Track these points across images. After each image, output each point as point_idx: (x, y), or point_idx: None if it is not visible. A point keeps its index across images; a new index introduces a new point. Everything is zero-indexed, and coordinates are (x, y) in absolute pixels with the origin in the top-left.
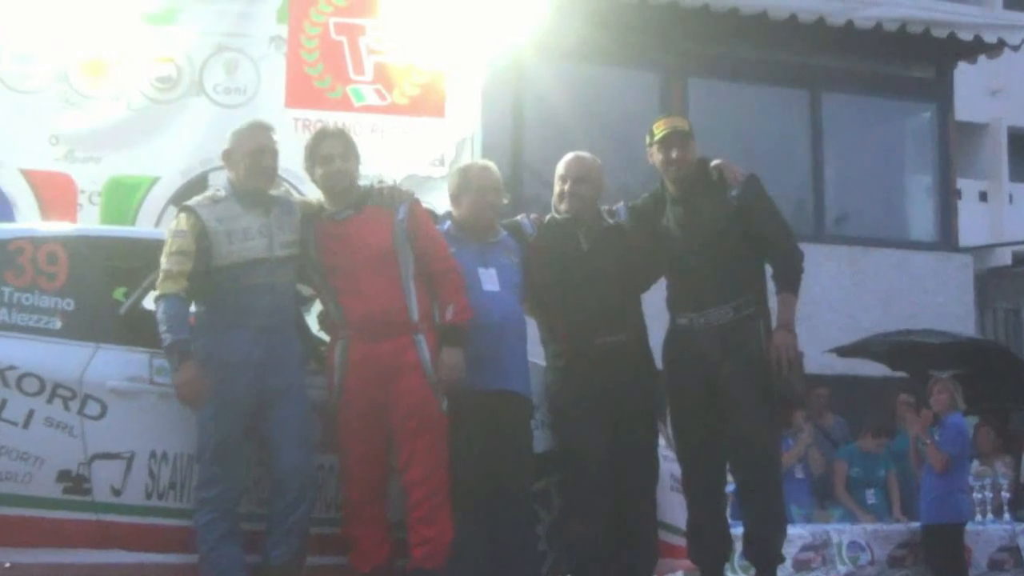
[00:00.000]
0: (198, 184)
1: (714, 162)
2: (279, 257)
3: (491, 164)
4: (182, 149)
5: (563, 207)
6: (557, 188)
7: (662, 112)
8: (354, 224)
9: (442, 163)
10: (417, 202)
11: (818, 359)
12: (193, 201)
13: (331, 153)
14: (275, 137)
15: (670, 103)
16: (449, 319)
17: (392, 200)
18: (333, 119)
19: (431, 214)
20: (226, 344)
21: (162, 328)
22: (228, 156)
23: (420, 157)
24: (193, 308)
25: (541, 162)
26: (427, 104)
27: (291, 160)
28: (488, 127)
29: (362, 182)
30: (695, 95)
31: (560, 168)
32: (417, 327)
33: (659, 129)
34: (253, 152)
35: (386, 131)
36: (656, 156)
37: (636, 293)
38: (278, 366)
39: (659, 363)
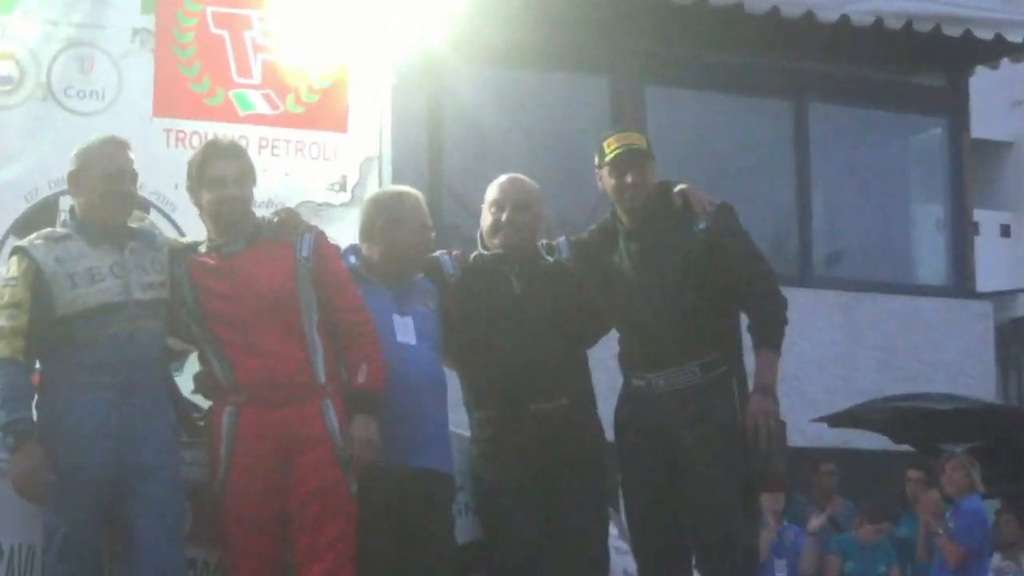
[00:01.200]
0: (45, 210)
1: (678, 187)
2: (139, 301)
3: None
4: (26, 167)
5: (497, 240)
6: (490, 218)
7: (614, 126)
8: (245, 260)
9: (343, 187)
10: (323, 235)
11: (806, 429)
12: (26, 240)
13: (223, 175)
14: (132, 156)
15: (623, 115)
16: (360, 382)
17: (288, 229)
18: (213, 131)
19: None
20: (75, 409)
21: None
22: (75, 180)
23: (318, 179)
24: (38, 365)
25: (463, 186)
26: (326, 115)
27: (161, 181)
28: (399, 144)
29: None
30: (654, 105)
31: (494, 192)
32: (324, 391)
33: (610, 147)
34: (111, 176)
35: (278, 146)
36: (607, 180)
37: (580, 348)
38: (141, 436)
39: (609, 434)
